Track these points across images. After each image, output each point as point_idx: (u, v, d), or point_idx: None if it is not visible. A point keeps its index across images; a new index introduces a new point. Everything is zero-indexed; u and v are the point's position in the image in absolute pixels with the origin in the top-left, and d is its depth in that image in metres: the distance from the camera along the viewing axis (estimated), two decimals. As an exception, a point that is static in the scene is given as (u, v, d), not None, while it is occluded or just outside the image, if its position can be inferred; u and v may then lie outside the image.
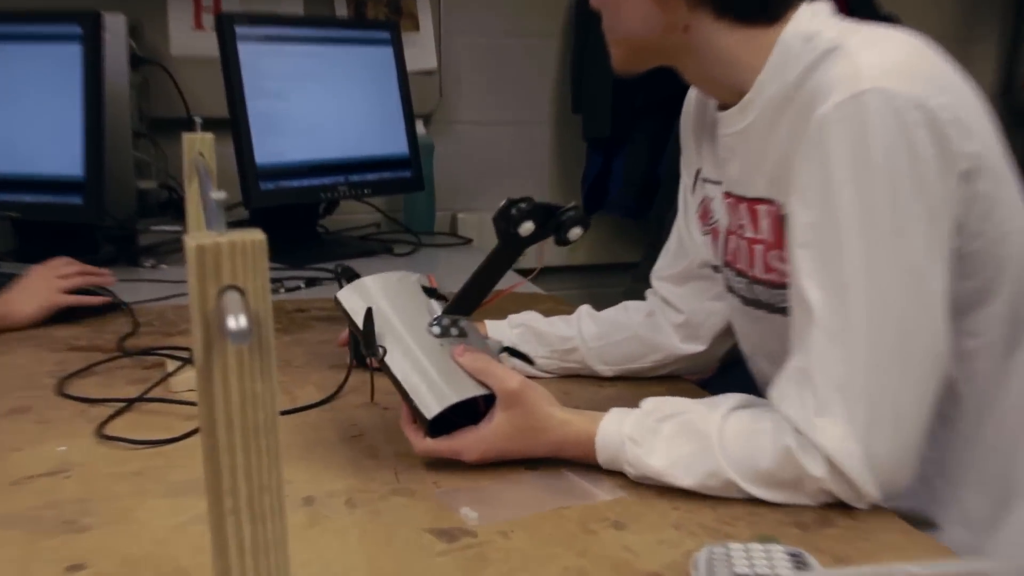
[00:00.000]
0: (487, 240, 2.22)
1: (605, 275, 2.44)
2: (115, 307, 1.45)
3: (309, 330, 1.36)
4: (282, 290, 1.59)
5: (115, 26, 1.83)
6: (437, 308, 0.96)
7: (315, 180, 1.86)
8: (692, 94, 1.11)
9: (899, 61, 0.82)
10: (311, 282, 1.64)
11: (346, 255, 1.84)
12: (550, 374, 1.16)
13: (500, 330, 1.15)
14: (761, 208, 0.93)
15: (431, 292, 0.99)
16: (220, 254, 0.44)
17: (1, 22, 1.73)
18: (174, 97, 2.08)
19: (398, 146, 2.00)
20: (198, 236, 0.45)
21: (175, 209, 2.02)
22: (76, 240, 1.82)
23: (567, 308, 1.40)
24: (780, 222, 0.90)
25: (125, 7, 1.91)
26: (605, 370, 1.16)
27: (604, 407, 0.90)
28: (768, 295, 0.97)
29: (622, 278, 2.26)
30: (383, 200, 2.20)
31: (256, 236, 0.45)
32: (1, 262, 1.66)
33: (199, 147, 1.10)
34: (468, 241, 2.16)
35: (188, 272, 0.45)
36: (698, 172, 1.09)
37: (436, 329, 0.94)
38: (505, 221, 0.90)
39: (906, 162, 0.79)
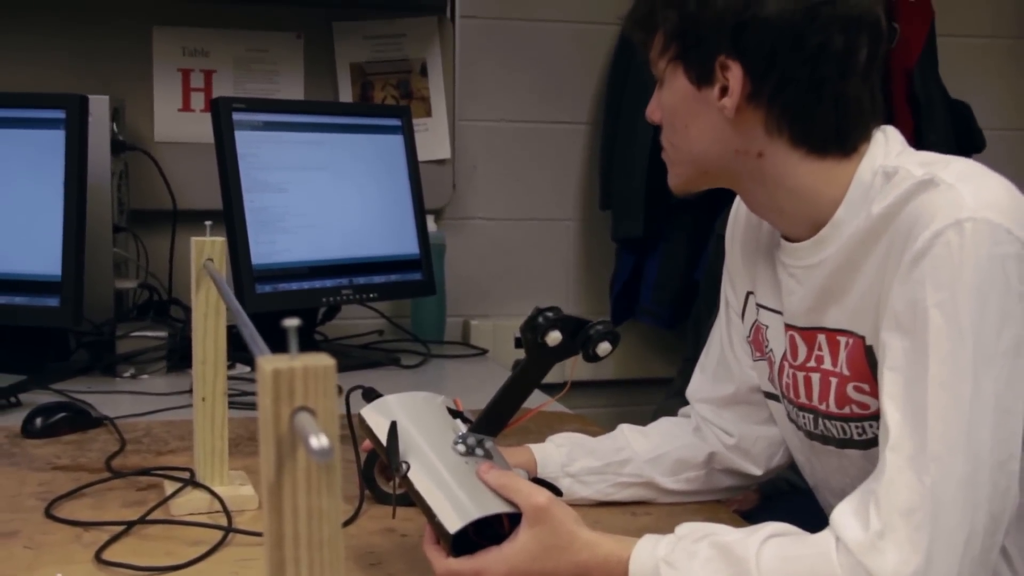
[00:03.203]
0: (503, 351, 2.38)
1: (635, 391, 2.56)
2: (97, 423, 1.57)
3: (313, 450, 1.47)
4: (279, 405, 1.70)
5: (97, 110, 2.00)
6: (462, 428, 1.09)
7: (316, 282, 2.00)
8: (740, 208, 1.26)
9: (999, 195, 0.97)
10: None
11: (348, 367, 1.96)
12: (592, 500, 1.26)
13: (545, 452, 1.26)
14: (842, 340, 1.06)
15: (456, 414, 1.12)
16: (294, 378, 0.57)
17: (-19, 106, 1.90)
18: (157, 186, 2.24)
19: (407, 245, 2.14)
20: (271, 360, 0.58)
21: (156, 312, 2.15)
22: (46, 346, 1.96)
23: (594, 428, 1.52)
24: (863, 354, 1.03)
25: (107, 87, 2.09)
26: (666, 481, 1.27)
27: (637, 536, 1.01)
28: (839, 429, 1.09)
29: (655, 395, 2.38)
30: (388, 304, 2.33)
31: (326, 362, 0.58)
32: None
33: (208, 252, 1.22)
34: (483, 352, 2.28)
35: (261, 394, 0.58)
36: (749, 294, 1.23)
37: (461, 447, 1.06)
38: (532, 331, 1.04)
39: (999, 294, 0.93)
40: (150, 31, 2.27)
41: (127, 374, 1.92)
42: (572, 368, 1.07)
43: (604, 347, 1.04)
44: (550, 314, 1.03)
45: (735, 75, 1.05)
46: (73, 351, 2.00)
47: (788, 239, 1.12)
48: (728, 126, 1.07)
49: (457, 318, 2.44)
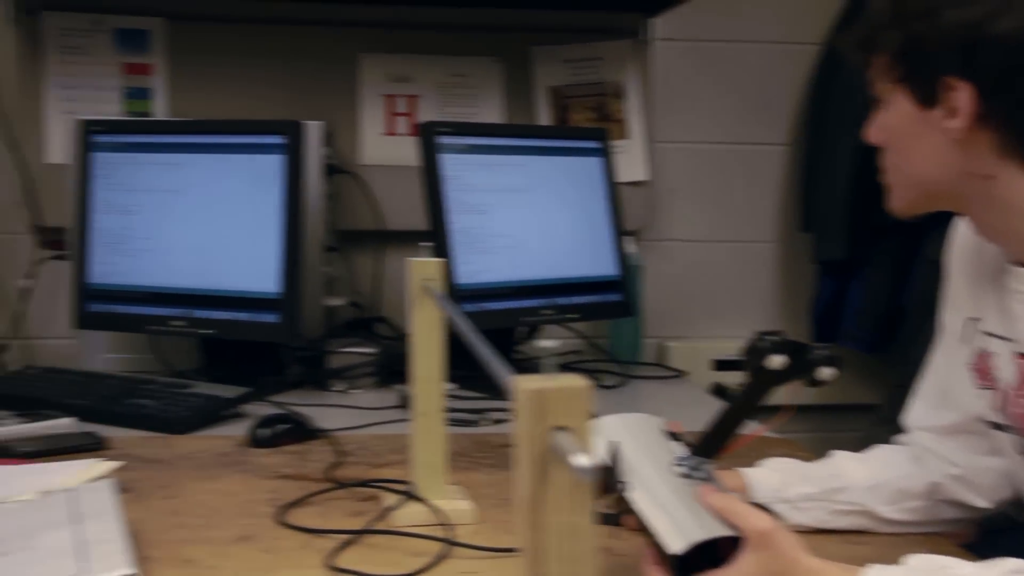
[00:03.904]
0: (700, 373, 2.37)
1: (837, 417, 2.50)
2: (315, 434, 1.64)
3: (521, 467, 1.50)
4: (486, 422, 1.75)
5: (311, 135, 2.10)
6: (681, 450, 1.10)
7: (517, 302, 2.04)
8: (960, 232, 1.22)
9: None
10: (516, 414, 1.79)
11: (546, 385, 1.99)
12: (807, 527, 1.25)
13: (758, 476, 1.26)
14: None
15: (674, 437, 1.12)
16: (551, 398, 0.59)
17: (206, 132, 2.02)
18: (362, 207, 2.33)
19: (606, 266, 2.17)
20: (528, 380, 0.60)
21: (362, 329, 2.24)
22: (262, 360, 2.06)
23: (804, 453, 1.50)
24: None
25: (318, 113, 2.18)
26: (885, 510, 1.25)
27: (858, 566, 1.00)
28: None
29: (858, 421, 2.32)
30: (584, 324, 2.35)
31: (580, 383, 0.60)
32: (191, 381, 1.89)
33: (428, 273, 1.27)
34: (680, 374, 2.28)
35: (518, 413, 0.60)
36: (972, 321, 1.19)
37: (681, 469, 1.07)
38: (754, 354, 1.04)
39: None
40: (358, 59, 2.37)
41: (338, 388, 2.01)
42: (792, 393, 1.06)
43: (828, 372, 1.04)
44: (773, 337, 1.03)
45: (964, 96, 1.03)
46: (287, 365, 2.10)
47: (1018, 263, 1.09)
48: (955, 148, 1.05)
49: (654, 339, 2.45)
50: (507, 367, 0.75)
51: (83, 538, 1.05)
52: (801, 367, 1.04)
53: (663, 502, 1.04)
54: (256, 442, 1.60)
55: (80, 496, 1.19)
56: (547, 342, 0.63)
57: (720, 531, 1.01)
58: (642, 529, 1.04)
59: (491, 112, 2.40)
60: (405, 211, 2.30)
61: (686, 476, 1.07)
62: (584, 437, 0.59)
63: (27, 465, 1.44)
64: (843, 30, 2.29)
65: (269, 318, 1.93)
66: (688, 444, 1.12)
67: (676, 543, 1.00)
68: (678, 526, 1.02)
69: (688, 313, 2.50)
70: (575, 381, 0.60)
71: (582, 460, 0.54)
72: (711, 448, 1.10)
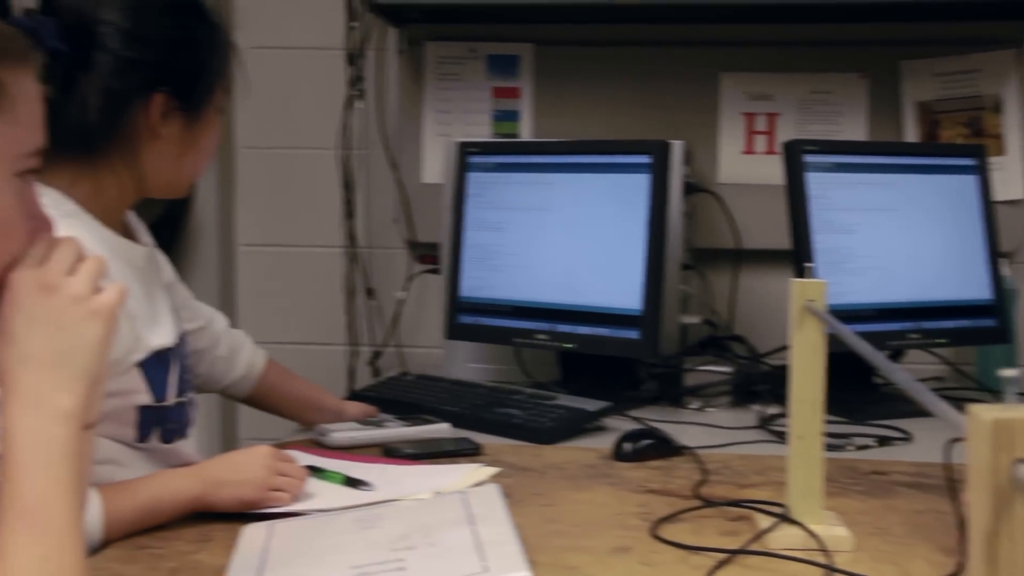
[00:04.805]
0: (1082, 407, 2.17)
1: None
2: (677, 451, 1.64)
3: (897, 496, 1.43)
4: (851, 448, 1.68)
5: (673, 154, 2.11)
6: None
7: (882, 325, 1.95)
8: None
9: None
10: (883, 441, 1.72)
11: (909, 412, 1.89)
12: None
13: None
14: None
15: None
16: (1017, 429, 0.55)
17: (574, 152, 2.07)
18: (718, 225, 2.31)
19: (978, 290, 2.04)
20: (987, 410, 0.57)
21: (717, 347, 2.22)
22: (618, 375, 2.08)
23: None
24: None
25: (676, 132, 2.19)
26: None
27: None
28: None
29: None
30: (950, 350, 2.23)
31: (1049, 414, 0.56)
32: (553, 393, 1.94)
33: (810, 293, 1.24)
34: (1061, 407, 2.10)
35: (976, 441, 0.57)
36: None
37: None
38: None
39: None
40: (718, 77, 2.35)
41: (693, 406, 2.00)
42: None
43: None
44: None
45: None
46: (642, 381, 2.11)
47: None
48: None
49: (1028, 369, 2.28)
50: (934, 399, 0.71)
51: (479, 538, 1.10)
52: None
53: None
54: (620, 456, 1.61)
55: (470, 498, 1.24)
56: (1009, 371, 0.59)
57: None
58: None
59: (854, 129, 2.33)
60: (761, 230, 2.28)
61: None
62: (1052, 472, 0.55)
63: (415, 466, 1.53)
64: None
65: (629, 334, 1.94)
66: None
67: None
68: None
69: (1068, 342, 2.31)
70: (1041, 412, 0.56)
71: (1063, 497, 0.50)
72: None
